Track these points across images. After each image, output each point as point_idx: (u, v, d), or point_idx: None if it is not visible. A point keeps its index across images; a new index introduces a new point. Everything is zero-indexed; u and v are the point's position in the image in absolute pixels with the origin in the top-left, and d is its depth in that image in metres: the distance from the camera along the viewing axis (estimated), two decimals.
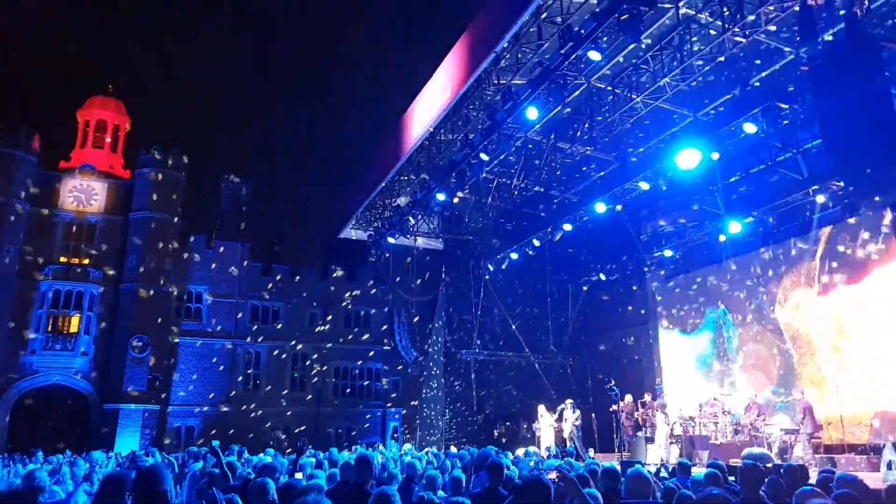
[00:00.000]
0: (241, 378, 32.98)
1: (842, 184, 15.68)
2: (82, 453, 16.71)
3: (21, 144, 29.92)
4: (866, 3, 11.01)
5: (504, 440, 23.67)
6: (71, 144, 34.20)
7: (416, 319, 30.36)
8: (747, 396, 16.48)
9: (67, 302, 29.60)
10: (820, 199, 16.93)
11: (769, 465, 7.98)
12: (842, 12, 11.40)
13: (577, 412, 18.87)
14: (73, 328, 29.62)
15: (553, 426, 19.05)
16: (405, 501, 5.69)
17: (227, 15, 79.87)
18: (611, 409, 18.03)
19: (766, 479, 5.65)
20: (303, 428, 32.40)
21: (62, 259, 30.38)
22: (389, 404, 35.36)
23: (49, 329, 29.14)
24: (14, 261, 29.03)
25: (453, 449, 16.69)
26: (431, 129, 19.06)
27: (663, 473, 9.27)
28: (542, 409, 19.47)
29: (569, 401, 19.33)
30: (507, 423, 25.08)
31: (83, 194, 31.50)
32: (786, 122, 15.69)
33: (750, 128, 14.58)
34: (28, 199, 29.89)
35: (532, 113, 15.32)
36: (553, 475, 5.45)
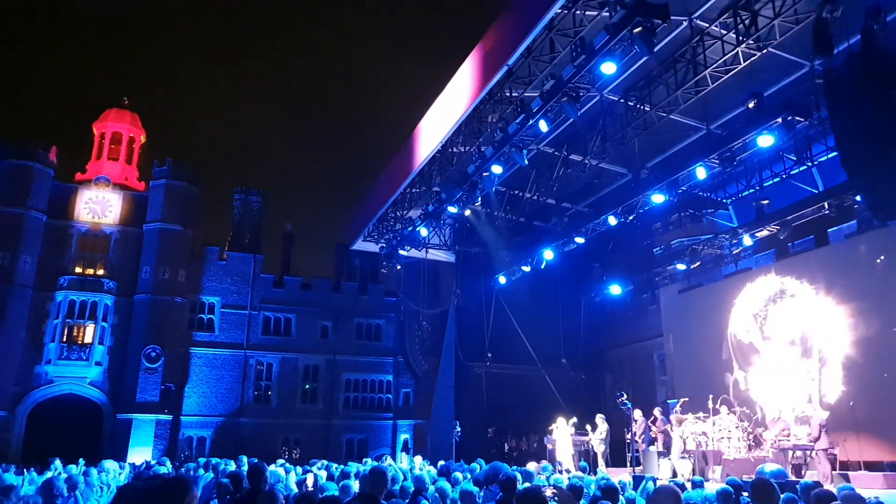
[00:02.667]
0: (252, 389, 33.04)
1: (857, 197, 15.52)
2: (95, 463, 16.74)
3: (38, 157, 30.37)
4: (882, 14, 10.94)
5: (515, 454, 23.49)
6: (87, 156, 34.69)
7: (427, 332, 30.33)
8: (777, 409, 16.26)
9: (82, 312, 29.87)
10: (835, 212, 16.78)
11: (784, 482, 7.86)
12: (859, 21, 11.33)
13: (607, 426, 18.64)
14: (88, 338, 29.86)
15: (570, 439, 18.77)
16: None
17: (242, 30, 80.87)
18: (631, 433, 17.80)
19: (781, 497, 5.54)
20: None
21: (77, 270, 30.69)
22: (400, 416, 35.24)
23: (64, 339, 29.40)
24: (30, 271, 29.37)
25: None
26: (443, 142, 19.13)
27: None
28: (560, 420, 19.21)
29: (600, 415, 19.12)
30: (519, 437, 24.90)
31: (98, 206, 31.86)
32: (800, 134, 15.61)
33: (764, 141, 14.49)
34: (44, 211, 30.28)
35: (544, 125, 15.34)
36: (549, 492, 5.42)
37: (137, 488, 3.29)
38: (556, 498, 4.40)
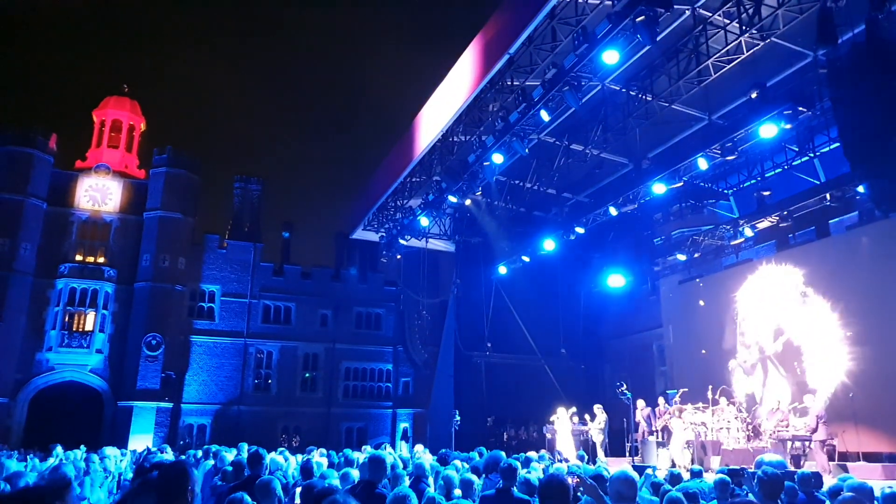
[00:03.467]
0: (252, 377, 33.15)
1: (860, 189, 15.46)
2: (96, 450, 16.83)
3: (38, 144, 30.29)
4: (887, 4, 10.86)
5: (514, 443, 23.57)
6: (87, 144, 34.60)
7: (426, 321, 30.35)
8: (775, 399, 16.30)
9: (83, 300, 29.92)
10: (836, 203, 16.74)
11: (784, 472, 7.87)
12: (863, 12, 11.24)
13: (605, 416, 18.71)
14: (89, 326, 29.93)
15: (571, 428, 18.82)
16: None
17: (242, 17, 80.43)
18: (634, 423, 17.86)
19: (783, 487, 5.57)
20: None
21: (78, 258, 30.70)
22: (400, 405, 35.37)
23: (65, 327, 29.46)
24: (31, 259, 29.37)
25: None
26: (444, 131, 19.05)
27: (656, 479, 9.14)
28: (560, 410, 19.27)
29: (598, 405, 19.18)
30: (518, 427, 24.98)
31: (98, 193, 31.81)
32: (803, 125, 15.54)
33: (766, 131, 14.42)
34: (44, 198, 30.23)
35: (545, 114, 15.26)
36: (572, 481, 5.42)
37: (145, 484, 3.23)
38: (580, 489, 4.39)
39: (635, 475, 4.36)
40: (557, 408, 19.55)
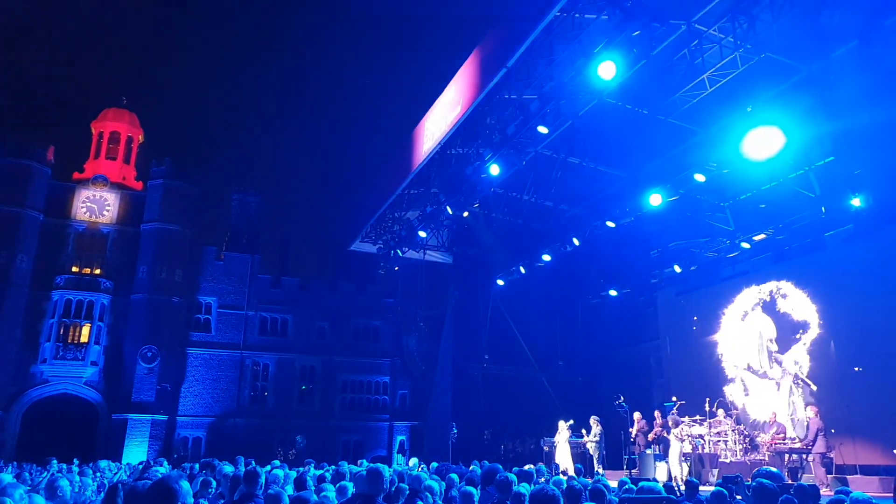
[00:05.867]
0: (249, 390, 32.96)
1: (856, 201, 15.52)
2: (90, 463, 16.72)
3: (36, 156, 30.32)
4: (880, 19, 10.99)
5: (511, 456, 23.47)
6: (85, 156, 34.61)
7: (424, 333, 30.29)
8: (771, 411, 16.28)
9: (79, 312, 29.79)
10: (832, 216, 16.80)
11: (779, 484, 7.85)
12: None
13: (601, 428, 18.63)
14: (84, 338, 29.78)
15: (569, 442, 18.73)
16: None
17: (239, 33, 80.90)
18: (634, 435, 17.78)
19: (779, 499, 5.56)
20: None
21: (74, 269, 30.62)
22: (397, 418, 35.19)
23: (60, 339, 29.31)
24: (27, 270, 29.29)
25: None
26: (442, 144, 19.11)
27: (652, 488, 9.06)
28: (561, 424, 19.20)
29: (594, 417, 19.09)
30: (515, 439, 24.89)
31: (96, 205, 31.80)
32: (799, 138, 15.59)
33: (763, 143, 14.45)
34: (41, 210, 30.21)
35: (542, 127, 15.35)
36: None
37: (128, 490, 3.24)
38: None
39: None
40: (559, 423, 19.41)
